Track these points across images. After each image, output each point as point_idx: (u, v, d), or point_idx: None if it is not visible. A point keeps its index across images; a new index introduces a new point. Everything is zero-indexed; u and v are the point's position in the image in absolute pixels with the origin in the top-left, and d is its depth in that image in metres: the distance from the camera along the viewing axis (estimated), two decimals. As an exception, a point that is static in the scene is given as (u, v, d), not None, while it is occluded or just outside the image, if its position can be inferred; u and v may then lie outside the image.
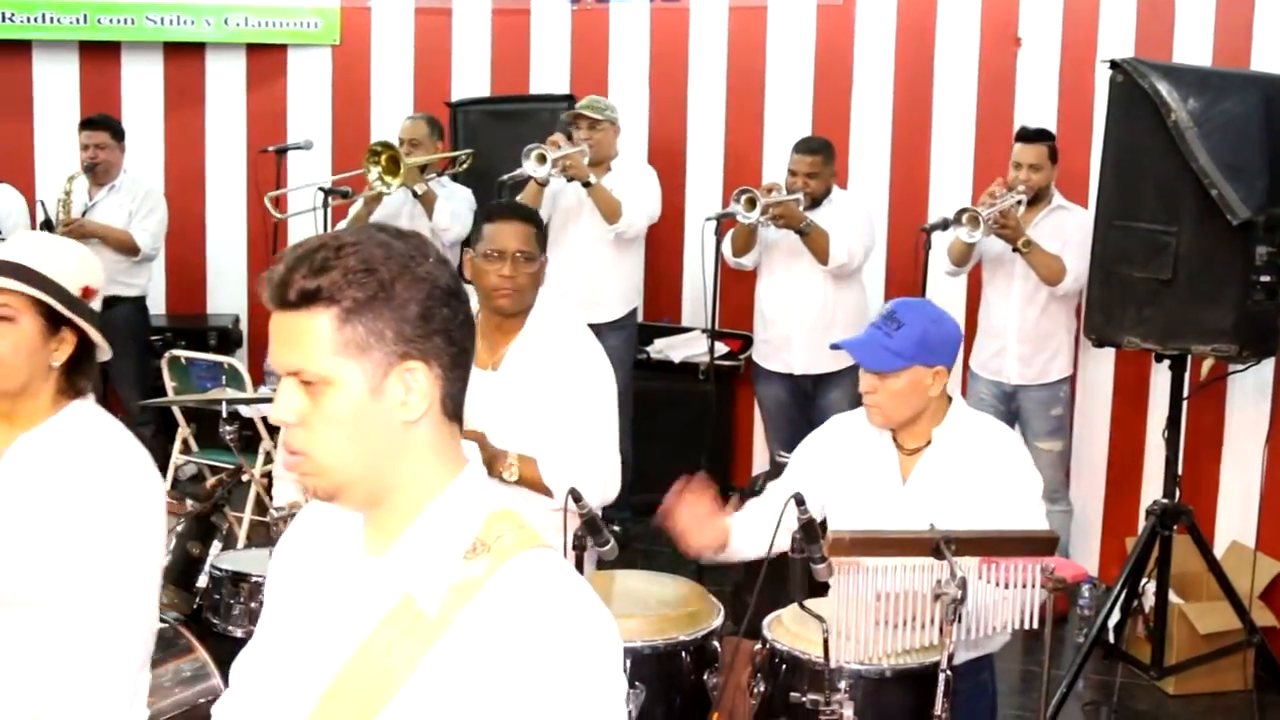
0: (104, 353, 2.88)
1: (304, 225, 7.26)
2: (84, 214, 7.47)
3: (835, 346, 4.03)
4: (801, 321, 6.70)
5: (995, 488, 3.73)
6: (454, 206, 7.09)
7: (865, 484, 3.87)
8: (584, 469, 3.89)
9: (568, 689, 1.74)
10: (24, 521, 2.68)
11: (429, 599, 1.80)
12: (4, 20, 8.42)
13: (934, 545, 3.35)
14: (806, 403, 6.80)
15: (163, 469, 7.34)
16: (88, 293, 2.83)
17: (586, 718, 1.76)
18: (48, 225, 7.40)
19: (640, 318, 7.50)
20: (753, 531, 3.86)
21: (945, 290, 6.79)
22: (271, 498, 4.87)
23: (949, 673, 3.37)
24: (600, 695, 1.78)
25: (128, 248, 7.45)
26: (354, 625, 1.85)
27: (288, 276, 1.81)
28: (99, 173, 7.52)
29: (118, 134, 7.62)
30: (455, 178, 7.55)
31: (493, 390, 3.98)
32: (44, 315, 2.75)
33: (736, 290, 7.22)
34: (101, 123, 7.63)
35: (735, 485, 7.88)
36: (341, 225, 7.07)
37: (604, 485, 4.02)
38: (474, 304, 4.08)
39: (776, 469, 6.47)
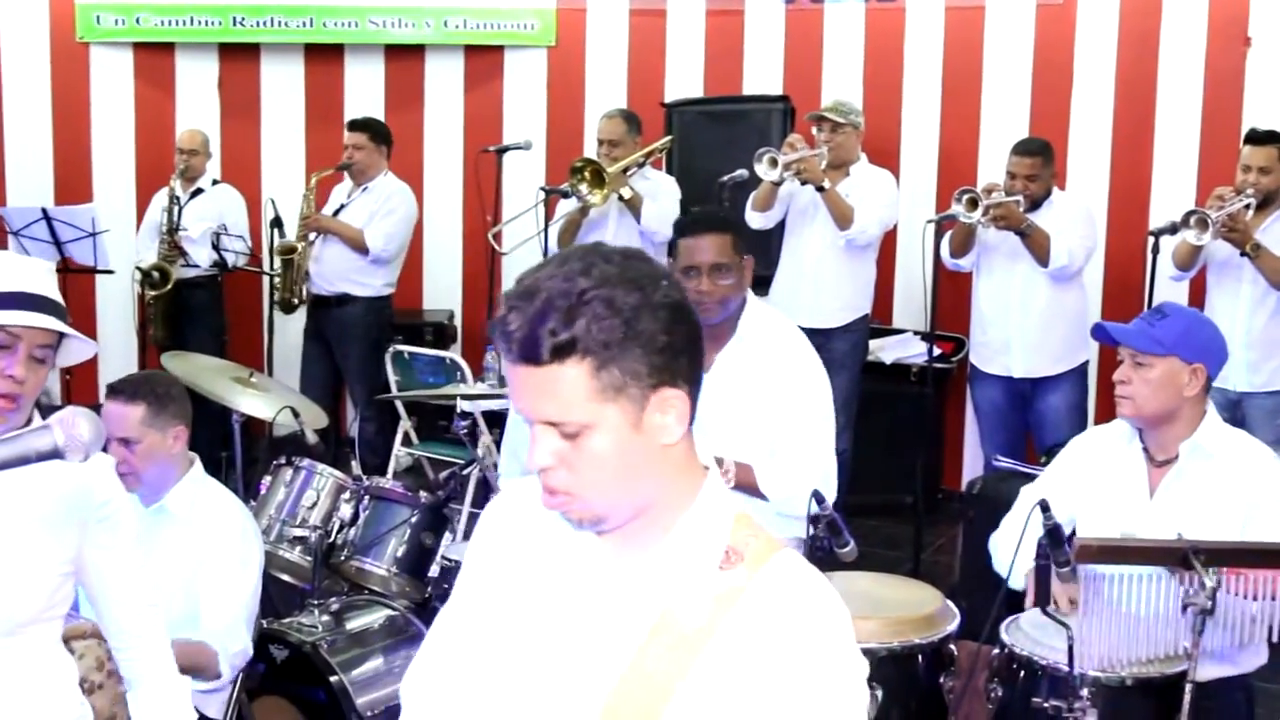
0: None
1: (524, 224, 7.37)
2: (337, 211, 7.71)
3: (1099, 328, 3.91)
4: (1021, 324, 6.60)
5: (1249, 509, 3.64)
6: (661, 207, 7.07)
7: (1113, 495, 3.82)
8: (799, 477, 3.83)
9: (830, 687, 1.81)
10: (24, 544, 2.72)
11: (692, 610, 1.84)
12: (234, 24, 8.75)
13: (1182, 555, 3.31)
14: (1024, 406, 6.70)
15: (384, 461, 7.55)
16: None
17: (847, 713, 1.84)
18: (276, 223, 7.64)
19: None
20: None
21: (1169, 294, 6.62)
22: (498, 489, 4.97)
23: (1193, 683, 3.32)
24: (856, 690, 1.85)
25: (359, 247, 7.63)
26: (620, 634, 1.88)
27: (535, 333, 1.79)
28: (355, 173, 7.74)
29: (378, 136, 7.79)
30: (668, 169, 7.62)
31: (703, 393, 3.97)
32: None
33: (950, 292, 7.15)
34: (362, 125, 7.85)
35: (946, 488, 7.84)
36: (553, 227, 7.15)
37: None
38: None
39: (991, 473, 6.42)
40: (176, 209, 7.90)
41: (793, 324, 4.22)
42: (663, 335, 1.82)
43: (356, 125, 7.83)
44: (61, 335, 2.70)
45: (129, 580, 2.89)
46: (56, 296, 2.71)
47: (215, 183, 8.18)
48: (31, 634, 2.74)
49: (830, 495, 3.88)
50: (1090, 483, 3.88)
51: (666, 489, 1.90)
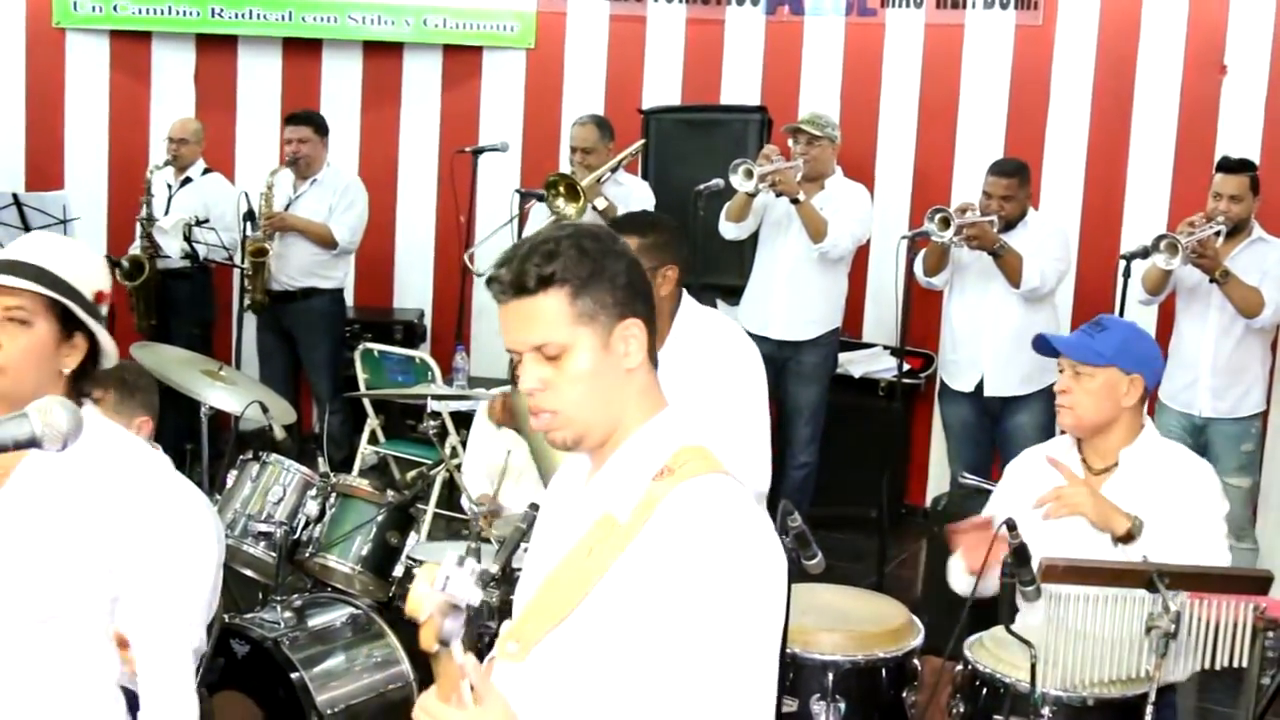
0: (110, 359, 2.73)
1: (499, 233, 7.36)
2: (287, 207, 7.67)
3: (1041, 338, 4.02)
4: (992, 343, 6.62)
5: (1180, 517, 3.70)
6: (635, 213, 7.10)
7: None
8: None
9: (715, 593, 2.06)
10: (44, 536, 2.60)
11: (623, 513, 2.17)
12: (212, 15, 8.71)
13: (1148, 578, 3.33)
14: (992, 424, 6.73)
15: (349, 458, 7.52)
16: (100, 297, 2.70)
17: (726, 624, 2.07)
18: (250, 216, 7.60)
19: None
20: None
21: (1139, 318, 6.66)
22: (465, 490, 4.96)
23: (1154, 706, 3.34)
24: (742, 607, 2.08)
25: (326, 241, 7.63)
26: (570, 536, 2.25)
27: (523, 268, 2.19)
28: (301, 167, 7.70)
29: (321, 129, 7.78)
30: (645, 177, 7.62)
31: None
32: (59, 320, 2.62)
33: (920, 308, 7.17)
34: (305, 118, 7.80)
35: (910, 504, 7.86)
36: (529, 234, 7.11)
37: (752, 480, 3.71)
38: None
39: (956, 489, 6.44)
40: (167, 197, 7.87)
41: (731, 324, 4.15)
42: (623, 275, 2.23)
43: (299, 119, 7.79)
44: (64, 309, 2.61)
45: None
46: (51, 266, 2.62)
47: (206, 172, 8.09)
48: (61, 626, 2.61)
49: (762, 485, 3.87)
50: (1032, 493, 3.88)
51: (630, 411, 2.26)
